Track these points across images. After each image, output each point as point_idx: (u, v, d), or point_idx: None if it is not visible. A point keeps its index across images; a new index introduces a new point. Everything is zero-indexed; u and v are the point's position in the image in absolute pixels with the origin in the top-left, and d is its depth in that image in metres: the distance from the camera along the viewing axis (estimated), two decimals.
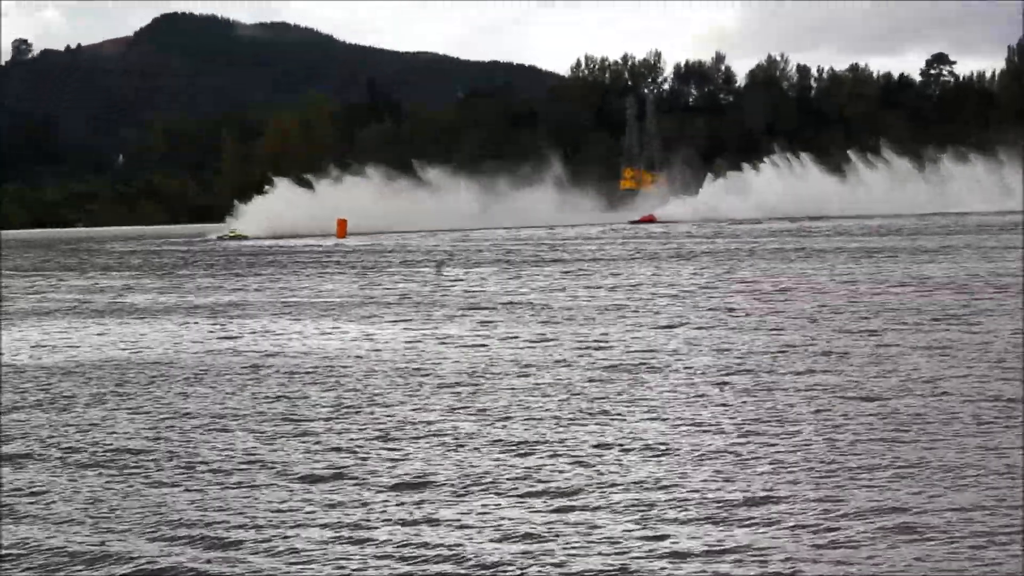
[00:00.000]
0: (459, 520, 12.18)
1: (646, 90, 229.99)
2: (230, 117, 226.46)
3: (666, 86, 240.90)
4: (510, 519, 12.14)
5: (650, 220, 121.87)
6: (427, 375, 21.65)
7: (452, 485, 13.54)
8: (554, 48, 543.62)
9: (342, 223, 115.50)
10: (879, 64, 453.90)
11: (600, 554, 10.95)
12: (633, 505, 12.47)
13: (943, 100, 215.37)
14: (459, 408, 18.14)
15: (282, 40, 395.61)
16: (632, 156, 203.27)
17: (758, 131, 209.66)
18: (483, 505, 12.70)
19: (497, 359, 23.42)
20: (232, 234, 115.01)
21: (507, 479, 13.72)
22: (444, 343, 26.48)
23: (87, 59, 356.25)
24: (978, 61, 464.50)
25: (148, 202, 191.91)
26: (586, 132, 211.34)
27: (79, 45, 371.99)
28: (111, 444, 16.37)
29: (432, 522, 12.15)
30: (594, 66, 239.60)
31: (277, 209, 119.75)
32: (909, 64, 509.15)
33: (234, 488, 13.73)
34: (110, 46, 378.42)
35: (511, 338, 26.94)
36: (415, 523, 12.14)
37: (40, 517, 12.84)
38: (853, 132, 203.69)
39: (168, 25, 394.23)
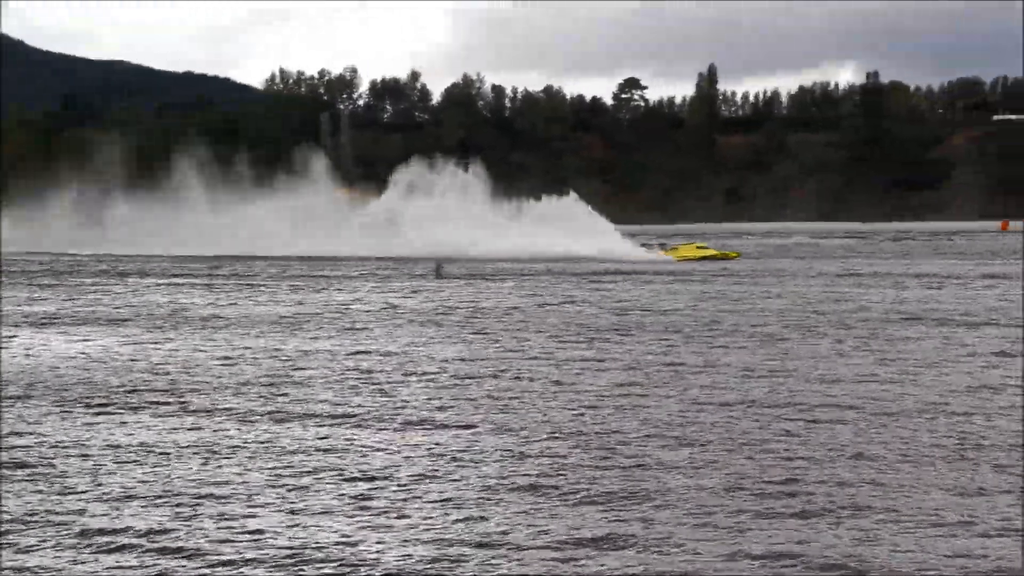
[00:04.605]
0: None
1: (341, 106, 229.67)
2: None
3: (362, 102, 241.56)
4: None
5: None
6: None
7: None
8: (249, 60, 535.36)
9: None
10: (586, 87, 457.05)
11: None
12: None
13: (633, 124, 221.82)
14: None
15: None
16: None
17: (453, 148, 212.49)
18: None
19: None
20: None
21: None
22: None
23: None
24: (675, 86, 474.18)
25: None
26: (287, 145, 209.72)
27: None
28: None
29: None
30: (289, 80, 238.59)
31: None
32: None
33: None
34: None
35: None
36: None
37: None
38: (553, 152, 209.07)
39: None
